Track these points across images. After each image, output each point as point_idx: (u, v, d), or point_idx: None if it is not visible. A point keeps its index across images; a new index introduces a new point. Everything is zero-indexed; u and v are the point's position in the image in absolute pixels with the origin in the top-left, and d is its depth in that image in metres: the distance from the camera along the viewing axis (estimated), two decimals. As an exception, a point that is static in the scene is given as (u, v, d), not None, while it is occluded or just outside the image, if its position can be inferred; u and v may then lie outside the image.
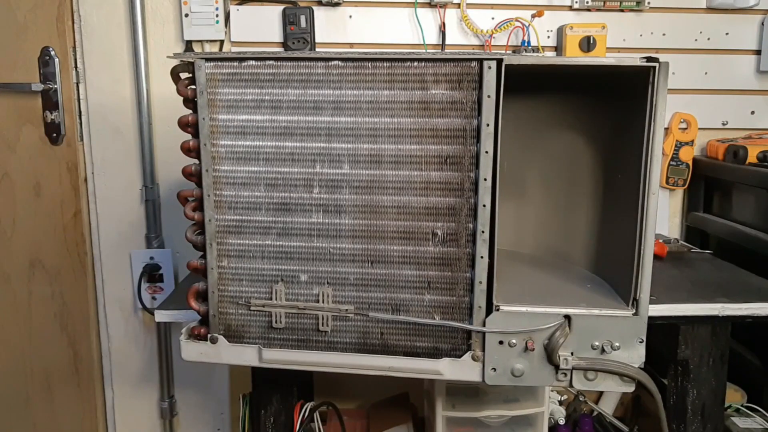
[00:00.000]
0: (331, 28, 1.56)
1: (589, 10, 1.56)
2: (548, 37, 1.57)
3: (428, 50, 1.54)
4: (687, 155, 1.60)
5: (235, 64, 0.83)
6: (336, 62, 0.81)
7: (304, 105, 0.83)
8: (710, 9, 1.59)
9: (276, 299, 0.88)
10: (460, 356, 0.86)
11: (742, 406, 1.34)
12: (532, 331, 0.84)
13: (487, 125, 0.79)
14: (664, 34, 1.58)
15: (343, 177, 0.84)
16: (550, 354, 0.84)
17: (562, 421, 1.47)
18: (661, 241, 1.40)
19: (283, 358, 0.89)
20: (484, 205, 0.82)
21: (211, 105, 0.84)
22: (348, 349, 0.88)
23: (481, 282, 0.84)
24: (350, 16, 1.55)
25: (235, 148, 0.85)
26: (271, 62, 0.82)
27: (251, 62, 0.82)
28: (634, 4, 1.55)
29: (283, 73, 0.82)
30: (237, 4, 1.53)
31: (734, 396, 1.35)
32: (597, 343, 0.84)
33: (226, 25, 1.54)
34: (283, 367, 0.90)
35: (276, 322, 0.88)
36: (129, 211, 1.62)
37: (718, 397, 1.11)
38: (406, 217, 0.84)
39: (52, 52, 1.50)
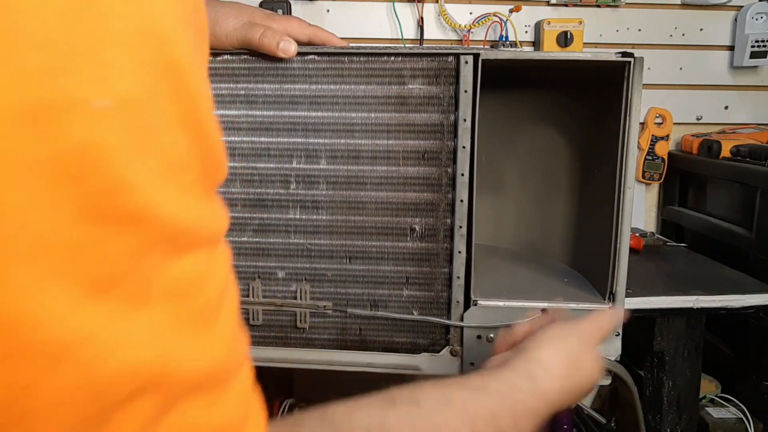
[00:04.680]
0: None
1: (566, 5, 1.57)
2: (526, 32, 1.57)
3: (406, 45, 1.53)
4: (662, 150, 1.62)
5: (210, 58, 0.81)
6: (312, 56, 0.81)
7: (279, 100, 0.82)
8: (684, 5, 1.61)
9: (253, 296, 0.87)
10: (438, 351, 0.86)
11: (716, 396, 1.36)
12: (510, 326, 0.84)
13: (465, 120, 0.79)
14: (639, 30, 1.60)
15: (320, 172, 0.83)
16: (528, 348, 0.84)
17: (540, 414, 1.48)
18: (637, 234, 1.41)
19: (260, 356, 0.88)
20: (462, 201, 0.81)
21: (185, 100, 0.82)
22: (326, 345, 0.88)
23: (459, 277, 0.84)
24: (328, 11, 1.54)
25: (210, 143, 0.83)
26: (245, 56, 0.81)
27: (226, 56, 0.81)
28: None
29: (258, 68, 0.81)
30: (212, -2, 1.51)
31: (709, 387, 1.37)
32: (574, 337, 0.84)
33: (201, 19, 1.51)
34: (261, 364, 0.89)
35: (253, 319, 0.87)
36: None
37: (693, 388, 1.13)
38: (384, 212, 0.84)
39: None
